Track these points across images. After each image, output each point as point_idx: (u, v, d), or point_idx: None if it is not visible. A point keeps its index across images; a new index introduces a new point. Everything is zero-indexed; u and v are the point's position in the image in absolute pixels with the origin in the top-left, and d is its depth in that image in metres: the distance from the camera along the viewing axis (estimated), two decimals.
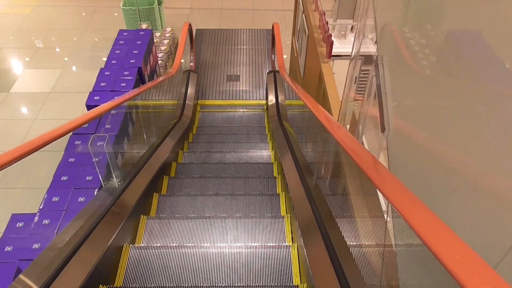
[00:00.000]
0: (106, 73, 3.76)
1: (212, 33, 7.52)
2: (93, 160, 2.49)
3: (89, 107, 3.46)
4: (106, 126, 3.23)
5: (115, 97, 2.82)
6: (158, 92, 4.42)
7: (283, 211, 2.99)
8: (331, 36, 3.40)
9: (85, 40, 7.16)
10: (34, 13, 7.94)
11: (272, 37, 6.26)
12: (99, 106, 2.35)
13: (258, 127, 5.41)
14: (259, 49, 7.18)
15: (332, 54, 3.54)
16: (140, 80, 3.96)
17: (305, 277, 2.05)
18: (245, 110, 5.86)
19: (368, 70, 5.65)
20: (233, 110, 5.86)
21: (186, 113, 5.06)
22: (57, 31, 7.51)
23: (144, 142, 3.92)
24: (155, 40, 5.71)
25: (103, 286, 1.90)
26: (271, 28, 6.47)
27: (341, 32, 3.75)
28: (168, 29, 6.05)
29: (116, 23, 7.21)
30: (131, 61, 3.92)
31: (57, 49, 7.14)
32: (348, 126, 2.85)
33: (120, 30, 4.42)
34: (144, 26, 5.88)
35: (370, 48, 4.80)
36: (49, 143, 1.83)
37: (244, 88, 6.39)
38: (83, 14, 8.07)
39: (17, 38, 7.39)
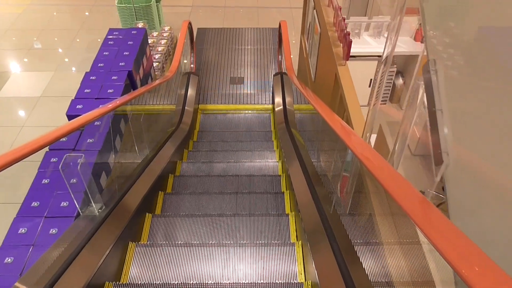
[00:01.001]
0: (91, 77, 3.31)
1: (214, 32, 7.07)
2: (68, 183, 2.03)
3: (70, 117, 3.01)
4: (88, 141, 2.78)
5: (101, 106, 2.38)
6: (153, 98, 3.97)
7: (293, 237, 2.54)
8: (349, 34, 2.93)
9: (81, 41, 6.73)
10: (26, 13, 7.53)
11: (279, 36, 5.79)
12: (81, 116, 2.01)
13: (263, 133, 4.95)
14: (265, 50, 6.71)
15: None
16: (131, 85, 3.50)
17: None
18: (249, 114, 5.40)
19: (392, 72, 5.11)
20: (237, 115, 5.40)
21: (185, 120, 4.60)
22: (50, 32, 7.09)
23: (135, 156, 3.46)
24: (151, 40, 5.26)
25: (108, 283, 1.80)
26: (277, 26, 6.01)
27: (354, 30, 3.27)
28: (166, 28, 5.59)
29: (113, 22, 6.77)
30: (120, 64, 3.46)
31: (50, 51, 6.71)
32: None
33: (110, 29, 3.97)
34: (140, 25, 5.43)
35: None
36: (13, 163, 1.45)
37: (248, 92, 5.93)
38: (79, 13, 7.64)
39: (8, 38, 6.97)
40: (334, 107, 3.33)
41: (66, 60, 6.39)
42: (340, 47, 3.20)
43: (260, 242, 2.41)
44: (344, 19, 3.14)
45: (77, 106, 3.07)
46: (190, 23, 5.42)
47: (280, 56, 6.02)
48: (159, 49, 5.07)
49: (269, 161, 3.96)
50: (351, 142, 1.76)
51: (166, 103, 4.58)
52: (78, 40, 6.78)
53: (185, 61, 5.13)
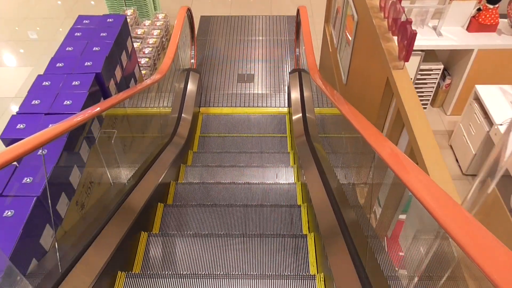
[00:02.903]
0: (44, 83, 2.39)
1: (220, 21, 6.09)
2: None
3: (6, 142, 2.11)
4: (25, 180, 1.87)
5: (51, 125, 1.61)
6: (137, 105, 3.06)
7: None
8: (410, 23, 1.96)
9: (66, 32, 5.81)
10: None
11: (296, 25, 4.81)
12: (19, 143, 1.38)
13: (278, 143, 4.01)
14: (279, 41, 5.72)
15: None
16: (102, 93, 2.58)
17: None
18: (259, 119, 4.46)
19: (431, 69, 4.02)
20: (245, 118, 4.45)
21: (181, 131, 3.68)
22: (32, 21, 6.18)
23: (108, 187, 2.56)
24: (141, 31, 4.31)
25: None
26: (294, 14, 5.02)
27: (418, 17, 2.29)
28: (161, 16, 4.62)
29: (104, 10, 5.82)
30: (86, 64, 2.53)
31: (30, 42, 5.81)
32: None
33: (80, 16, 3.03)
34: (129, 12, 4.49)
35: (432, 40, 3.29)
36: None
37: (259, 92, 4.98)
38: (65, 1, 6.69)
39: None
40: (382, 125, 2.37)
41: (49, 53, 5.48)
42: (392, 41, 2.22)
43: None
44: (400, 1, 2.16)
45: (18, 126, 2.16)
46: (189, 9, 4.47)
47: (297, 50, 5.04)
48: (150, 41, 4.12)
49: (284, 183, 3.05)
50: (414, 183, 0.93)
51: (157, 106, 3.65)
52: (64, 30, 5.86)
53: (181, 56, 4.19)
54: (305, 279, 1.98)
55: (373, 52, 2.44)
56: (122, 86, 2.92)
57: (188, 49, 4.98)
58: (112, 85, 2.71)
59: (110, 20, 2.96)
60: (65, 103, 2.28)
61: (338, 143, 3.35)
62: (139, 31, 4.23)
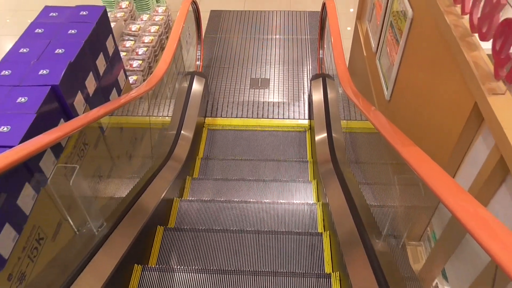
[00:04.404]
0: None
1: (232, 16, 5.38)
2: None
3: None
4: None
5: None
6: (126, 114, 2.39)
7: None
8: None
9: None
10: None
11: (320, 22, 4.06)
12: None
13: (296, 168, 3.29)
14: (299, 40, 4.97)
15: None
16: (63, 113, 1.90)
17: None
18: (275, 137, 3.74)
19: None
20: (257, 135, 3.74)
21: (178, 152, 2.98)
22: (13, 13, 5.57)
23: (67, 244, 1.88)
24: (136, 27, 3.60)
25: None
26: (318, 9, 4.28)
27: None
28: (161, 9, 3.91)
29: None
30: (41, 72, 1.85)
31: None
32: None
33: (46, 7, 2.35)
34: (124, 4, 3.80)
35: None
36: None
37: (275, 100, 4.26)
38: None
39: None
40: (455, 171, 1.63)
41: None
42: (478, 49, 1.48)
43: None
44: None
45: None
46: (194, 2, 3.76)
47: (321, 51, 4.29)
48: (146, 40, 3.42)
49: (304, 223, 2.34)
50: None
51: (150, 117, 2.97)
52: (29, 21, 5.22)
53: (184, 58, 3.48)
54: None
55: (443, 63, 1.69)
56: (97, 100, 2.23)
57: (194, 49, 4.28)
58: (79, 101, 2.02)
59: (84, 13, 2.27)
60: (1, 129, 1.60)
61: (376, 173, 2.61)
62: (134, 27, 3.54)
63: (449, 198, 1.04)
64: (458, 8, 1.67)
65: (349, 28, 4.93)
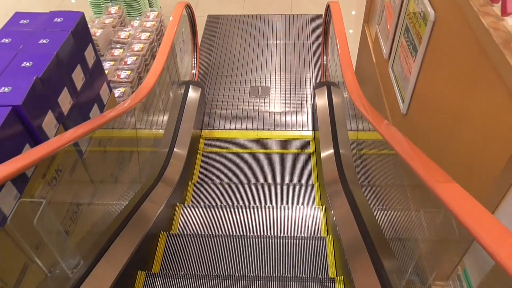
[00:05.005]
0: None
1: (230, 21, 5.11)
2: None
3: None
4: None
5: None
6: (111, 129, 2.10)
7: None
8: None
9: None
10: None
11: (324, 26, 3.79)
12: None
13: (302, 194, 2.99)
14: (301, 46, 4.69)
15: None
16: (30, 135, 1.62)
17: None
18: (276, 149, 3.46)
19: None
20: (258, 149, 3.46)
21: (169, 175, 2.69)
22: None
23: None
24: (125, 34, 3.33)
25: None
26: (320, 12, 4.00)
27: None
28: (152, 15, 3.64)
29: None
30: (2, 89, 1.58)
31: None
32: None
33: (16, 13, 2.09)
34: (113, 10, 3.53)
35: None
36: None
37: (276, 110, 3.98)
38: None
39: None
40: (494, 207, 1.34)
41: None
42: None
43: None
44: None
45: None
46: (188, 6, 3.48)
47: (325, 57, 4.01)
48: (136, 48, 3.14)
49: (310, 255, 2.04)
50: None
51: (138, 133, 2.68)
52: None
53: (176, 65, 3.20)
54: None
55: (479, 74, 1.41)
56: (74, 119, 1.95)
57: (190, 56, 4.00)
58: (50, 121, 1.74)
59: (59, 19, 1.99)
60: None
61: (393, 199, 2.31)
62: (123, 35, 3.26)
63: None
64: (496, 8, 1.38)
65: (351, 31, 4.65)
